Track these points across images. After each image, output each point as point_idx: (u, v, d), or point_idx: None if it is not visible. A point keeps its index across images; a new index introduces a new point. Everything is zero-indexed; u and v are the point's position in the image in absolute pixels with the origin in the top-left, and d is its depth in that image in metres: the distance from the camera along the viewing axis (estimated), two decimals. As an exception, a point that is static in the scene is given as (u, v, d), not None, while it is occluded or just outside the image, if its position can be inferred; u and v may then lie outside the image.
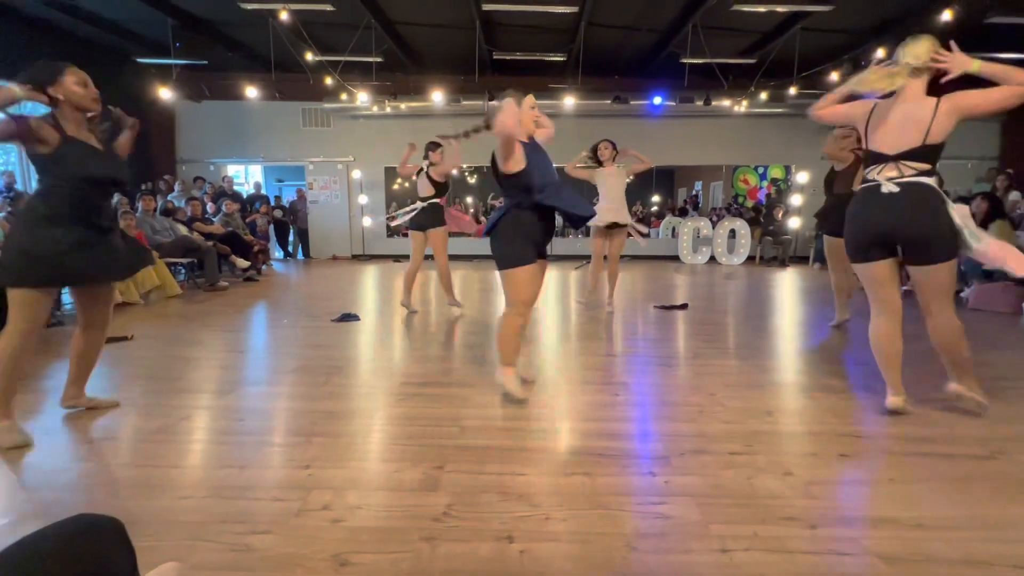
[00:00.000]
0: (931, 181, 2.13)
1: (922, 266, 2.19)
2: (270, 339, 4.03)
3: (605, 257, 4.90)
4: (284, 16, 6.49)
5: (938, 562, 1.37)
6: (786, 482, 1.77)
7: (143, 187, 8.20)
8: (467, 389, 2.71)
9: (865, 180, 2.27)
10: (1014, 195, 6.46)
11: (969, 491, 1.72)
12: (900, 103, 2.18)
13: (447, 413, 2.40)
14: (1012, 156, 9.72)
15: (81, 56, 7.86)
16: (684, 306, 5.11)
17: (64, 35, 7.60)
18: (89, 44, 8.00)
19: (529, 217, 2.45)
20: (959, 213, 2.13)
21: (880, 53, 1.84)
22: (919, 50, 2.12)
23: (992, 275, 5.26)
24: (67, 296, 5.43)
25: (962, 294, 5.49)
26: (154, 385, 2.78)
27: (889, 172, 2.17)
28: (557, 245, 10.54)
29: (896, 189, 2.13)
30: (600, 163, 4.70)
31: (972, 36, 7.02)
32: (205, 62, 8.80)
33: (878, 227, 2.19)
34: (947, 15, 5.84)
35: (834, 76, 8.25)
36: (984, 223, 5.42)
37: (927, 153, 2.12)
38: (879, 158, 2.21)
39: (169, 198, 7.78)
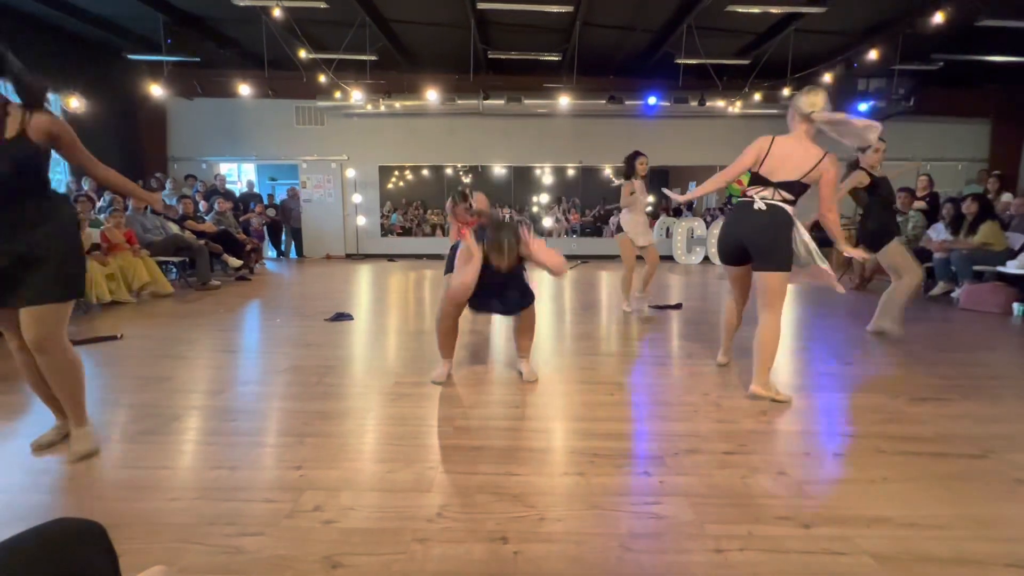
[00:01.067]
0: (789, 209, 2.49)
1: (761, 271, 2.52)
2: (262, 338, 4.00)
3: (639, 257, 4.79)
4: (277, 13, 6.45)
5: (930, 561, 1.37)
6: (780, 482, 1.77)
7: (134, 185, 8.11)
8: (461, 389, 2.70)
9: (744, 196, 2.60)
10: (1006, 196, 6.52)
11: (961, 490, 1.73)
12: (793, 142, 2.50)
13: (441, 413, 2.38)
14: (1001, 158, 9.83)
15: (70, 52, 7.78)
16: (678, 306, 5.12)
17: (53, 30, 7.50)
18: (79, 40, 7.91)
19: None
20: (804, 236, 2.49)
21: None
22: (816, 99, 2.44)
23: (982, 276, 5.31)
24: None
25: (952, 294, 5.54)
26: (143, 385, 2.75)
27: (764, 193, 2.51)
28: (550, 245, 10.54)
29: (764, 207, 2.48)
30: (629, 176, 4.60)
31: (962, 38, 7.09)
32: (197, 59, 8.72)
33: (739, 235, 2.57)
34: (939, 17, 5.89)
35: (827, 77, 8.31)
36: (974, 224, 5.48)
37: (797, 188, 2.48)
38: (761, 180, 2.52)
39: (161, 196, 7.70)
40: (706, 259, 9.71)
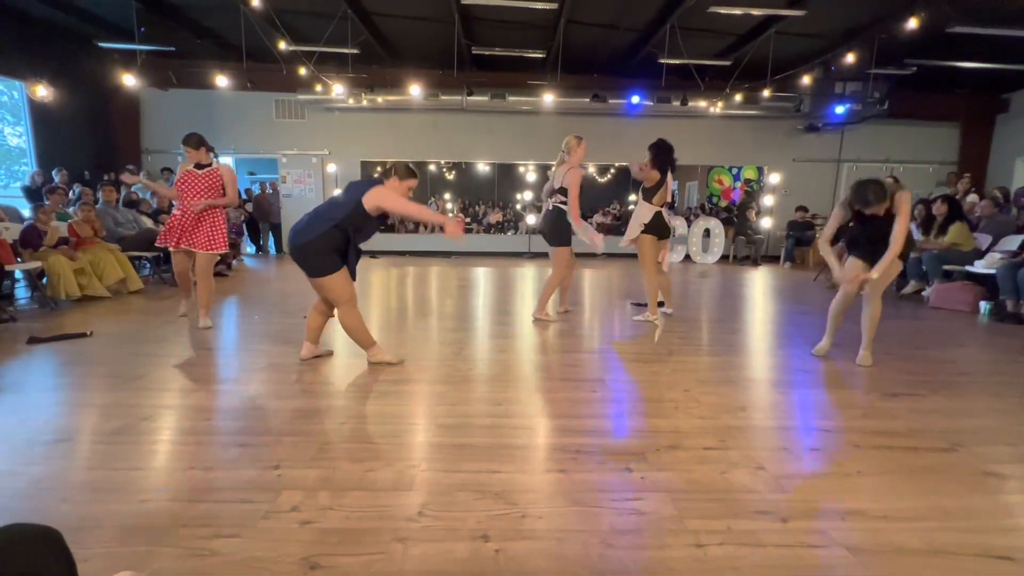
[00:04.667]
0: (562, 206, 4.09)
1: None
2: (240, 335, 3.91)
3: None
4: (256, 3, 6.29)
5: (903, 552, 1.41)
6: (758, 476, 1.79)
7: (105, 177, 7.87)
8: (442, 386, 2.68)
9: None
10: (972, 198, 6.72)
11: (932, 482, 1.78)
12: (561, 166, 4.06)
13: (422, 411, 2.36)
14: (970, 161, 10.14)
15: (38, 39, 7.50)
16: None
17: (19, 15, 7.21)
18: (47, 26, 7.62)
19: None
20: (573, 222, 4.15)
21: None
22: (571, 141, 4.03)
23: (951, 275, 5.48)
24: (21, 291, 5.18)
25: (923, 293, 5.70)
26: (114, 383, 2.66)
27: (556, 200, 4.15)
28: (536, 244, 10.54)
29: (551, 208, 4.12)
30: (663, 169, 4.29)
31: (934, 44, 7.29)
32: (172, 48, 8.47)
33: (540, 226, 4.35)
34: (912, 23, 6.04)
35: (805, 79, 8.46)
36: (944, 225, 5.65)
37: (563, 191, 4.06)
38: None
39: (133, 189, 7.48)
40: (687, 257, 9.83)
